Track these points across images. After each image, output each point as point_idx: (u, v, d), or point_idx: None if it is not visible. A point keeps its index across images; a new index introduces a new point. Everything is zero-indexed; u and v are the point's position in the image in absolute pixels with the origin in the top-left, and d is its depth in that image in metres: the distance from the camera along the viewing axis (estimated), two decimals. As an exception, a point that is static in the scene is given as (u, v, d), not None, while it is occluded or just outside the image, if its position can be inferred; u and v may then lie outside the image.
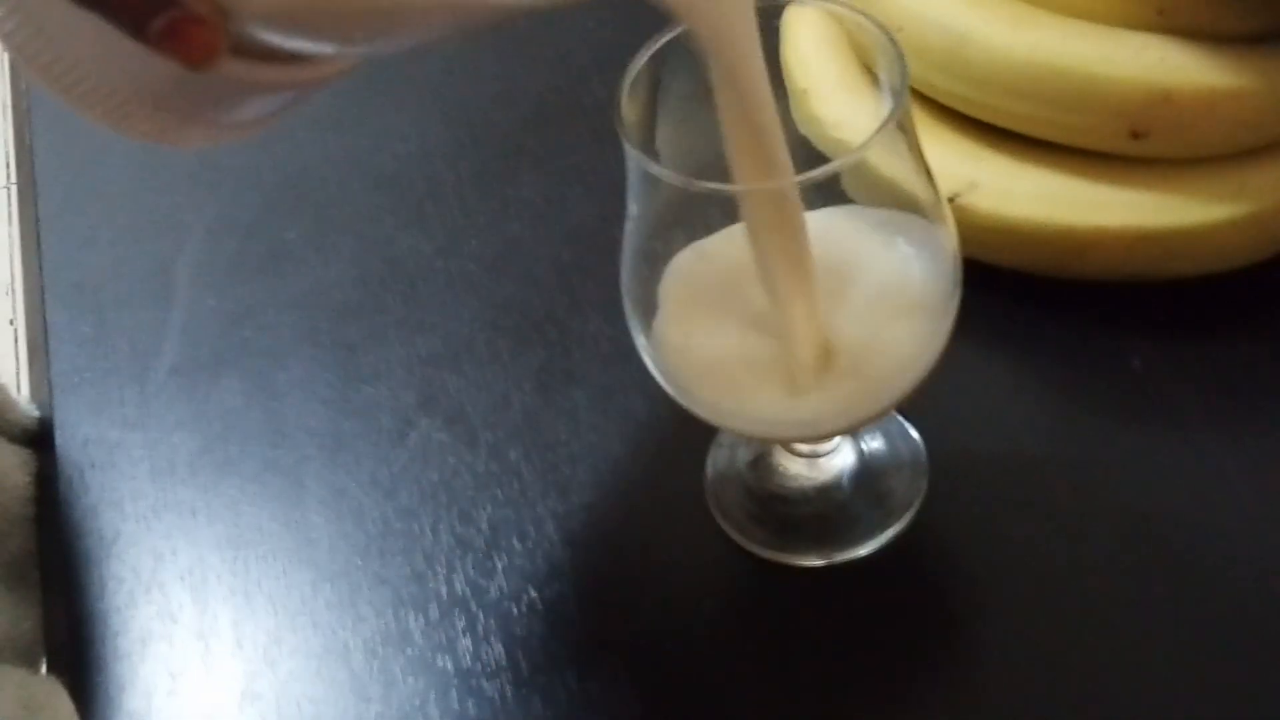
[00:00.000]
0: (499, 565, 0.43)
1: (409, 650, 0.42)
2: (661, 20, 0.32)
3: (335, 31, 0.26)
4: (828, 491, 0.43)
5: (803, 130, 0.47)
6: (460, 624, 0.42)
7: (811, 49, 0.48)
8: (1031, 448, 0.43)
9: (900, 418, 0.44)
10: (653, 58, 0.34)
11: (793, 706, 0.38)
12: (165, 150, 0.60)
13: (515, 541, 0.43)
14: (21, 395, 0.52)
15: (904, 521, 0.42)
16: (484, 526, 0.44)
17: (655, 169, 0.32)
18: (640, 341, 0.37)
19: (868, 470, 0.43)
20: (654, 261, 0.36)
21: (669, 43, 0.33)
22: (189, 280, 0.54)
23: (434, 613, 0.42)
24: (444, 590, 0.43)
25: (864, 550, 0.41)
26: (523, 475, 0.45)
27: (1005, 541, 0.41)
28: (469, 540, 0.44)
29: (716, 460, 0.44)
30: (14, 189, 0.63)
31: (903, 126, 0.33)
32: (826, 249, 0.33)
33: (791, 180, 0.31)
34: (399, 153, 0.58)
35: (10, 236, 0.72)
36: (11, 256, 0.73)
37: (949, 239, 0.35)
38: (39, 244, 0.57)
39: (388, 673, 0.41)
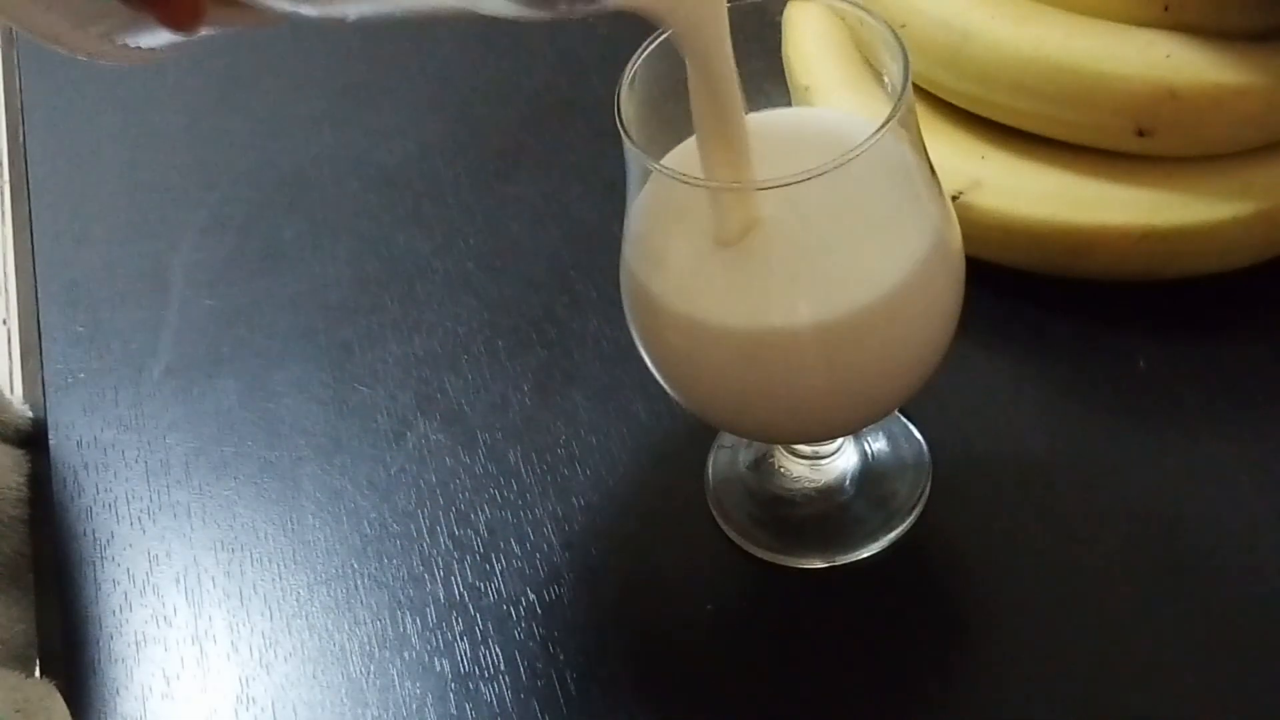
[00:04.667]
0: (497, 568, 0.43)
1: (406, 653, 0.41)
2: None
3: None
4: (830, 493, 0.43)
5: (804, 128, 0.46)
6: (458, 627, 0.41)
7: (814, 46, 0.48)
8: (1036, 448, 0.42)
9: (903, 418, 0.44)
10: (652, 55, 0.34)
11: (794, 710, 0.38)
12: (160, 149, 0.60)
13: (514, 544, 0.43)
14: (15, 395, 0.52)
15: (907, 523, 0.41)
16: (482, 529, 0.44)
17: (656, 166, 0.32)
18: (639, 341, 0.37)
19: (870, 472, 0.43)
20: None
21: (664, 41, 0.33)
22: (184, 280, 0.54)
23: (431, 616, 0.42)
24: (441, 593, 0.42)
25: (867, 552, 0.41)
26: (521, 477, 0.45)
27: (1009, 543, 0.40)
28: (467, 542, 0.43)
29: (717, 462, 0.44)
30: (7, 187, 0.63)
31: (905, 124, 0.32)
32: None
33: (785, 180, 0.31)
34: (396, 151, 0.58)
35: (3, 235, 0.72)
36: (4, 255, 0.73)
37: (953, 238, 0.35)
38: (32, 243, 0.57)
39: (385, 676, 0.41)
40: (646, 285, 0.34)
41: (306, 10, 0.27)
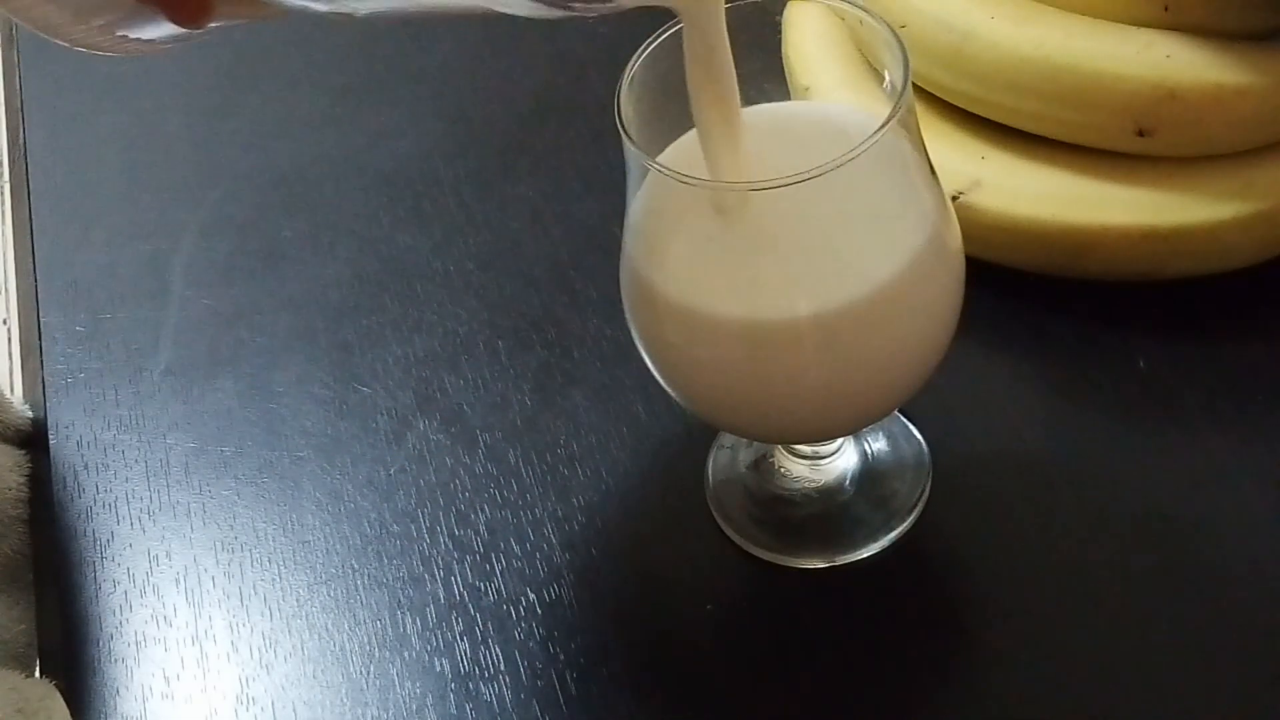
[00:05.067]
0: (497, 568, 0.43)
1: (406, 654, 0.41)
2: (660, 18, 0.32)
3: None
4: (830, 493, 0.43)
5: (804, 128, 0.46)
6: (458, 627, 0.41)
7: (814, 46, 0.48)
8: (1036, 448, 0.42)
9: (903, 418, 0.44)
10: (652, 55, 0.34)
11: (794, 710, 0.38)
12: (160, 149, 0.60)
13: (513, 544, 0.43)
14: (15, 396, 0.52)
15: (907, 523, 0.41)
16: (482, 529, 0.44)
17: (655, 165, 0.32)
18: (639, 340, 0.36)
19: (870, 472, 0.43)
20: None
21: (670, 39, 0.33)
22: (183, 280, 0.54)
23: (431, 616, 0.42)
24: (441, 593, 0.42)
25: (867, 552, 0.41)
26: (521, 477, 0.45)
27: (1009, 543, 0.40)
28: (467, 542, 0.43)
29: (718, 462, 0.44)
30: (7, 188, 0.63)
31: (906, 124, 0.32)
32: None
33: (784, 180, 0.31)
34: (396, 151, 0.57)
35: (3, 235, 0.72)
36: (4, 255, 0.73)
37: (953, 238, 0.35)
38: (32, 243, 0.57)
39: (385, 676, 0.41)
40: (647, 277, 0.35)
41: (317, 5, 0.27)
